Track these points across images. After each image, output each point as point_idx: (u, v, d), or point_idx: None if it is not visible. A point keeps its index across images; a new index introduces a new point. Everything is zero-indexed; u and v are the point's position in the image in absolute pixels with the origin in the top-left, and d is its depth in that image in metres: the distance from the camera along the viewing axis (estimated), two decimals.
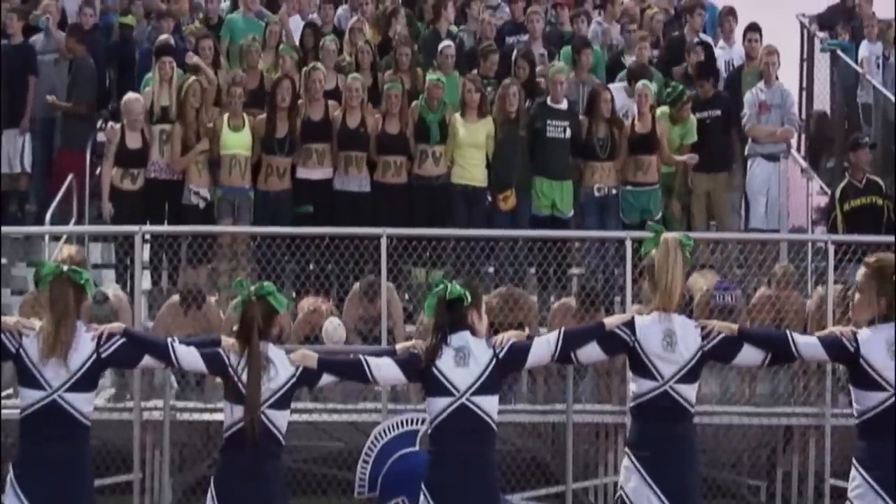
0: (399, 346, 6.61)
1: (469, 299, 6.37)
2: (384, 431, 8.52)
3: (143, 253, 10.76)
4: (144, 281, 10.99)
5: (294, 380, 6.32)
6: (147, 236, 10.75)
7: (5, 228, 11.31)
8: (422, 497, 6.32)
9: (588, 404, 10.42)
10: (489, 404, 6.35)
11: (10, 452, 6.60)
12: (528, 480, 10.19)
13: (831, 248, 10.28)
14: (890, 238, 10.95)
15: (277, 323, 6.41)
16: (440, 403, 6.32)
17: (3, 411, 8.92)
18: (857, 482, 6.24)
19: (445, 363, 6.33)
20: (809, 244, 10.97)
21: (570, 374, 10.03)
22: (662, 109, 12.20)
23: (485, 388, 6.33)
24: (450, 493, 6.28)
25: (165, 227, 11.28)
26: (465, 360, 6.30)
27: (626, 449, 6.49)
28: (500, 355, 6.37)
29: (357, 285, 10.57)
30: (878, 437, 6.21)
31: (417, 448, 8.06)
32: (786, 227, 12.68)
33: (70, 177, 12.12)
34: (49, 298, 6.16)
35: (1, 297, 11.68)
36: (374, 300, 10.32)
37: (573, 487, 10.05)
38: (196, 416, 10.24)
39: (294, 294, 11.13)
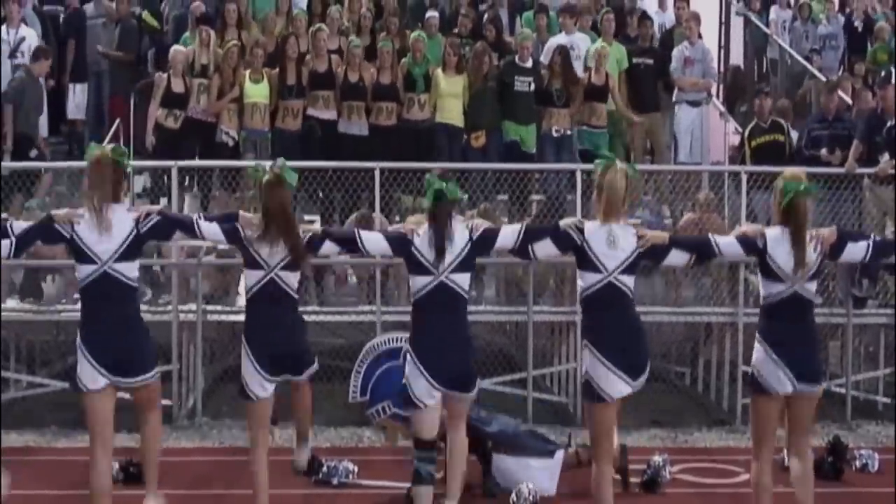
0: (391, 227, 6.52)
1: (458, 196, 6.38)
2: (373, 347, 8.37)
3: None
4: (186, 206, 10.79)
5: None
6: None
7: (65, 164, 11.13)
8: (408, 357, 6.29)
9: (545, 305, 10.27)
10: (463, 279, 6.29)
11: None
12: (496, 369, 10.06)
13: (744, 177, 10.16)
14: (790, 168, 10.85)
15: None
16: (422, 281, 6.24)
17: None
18: (757, 351, 6.29)
19: (425, 246, 6.22)
20: (726, 174, 10.80)
21: (531, 281, 9.85)
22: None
23: (461, 266, 6.25)
24: (432, 352, 6.24)
25: (196, 162, 11.05)
26: (445, 244, 6.22)
27: (584, 340, 6.35)
28: (475, 237, 6.28)
29: (353, 216, 10.40)
30: (774, 317, 6.24)
31: (400, 362, 7.92)
32: (707, 160, 12.55)
33: (118, 120, 11.91)
34: (92, 177, 6.10)
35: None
36: (366, 227, 10.13)
37: (533, 374, 9.91)
38: (224, 318, 10.08)
39: (304, 217, 10.96)
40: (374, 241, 6.42)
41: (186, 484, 7.98)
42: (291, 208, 6.33)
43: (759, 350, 6.29)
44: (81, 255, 6.07)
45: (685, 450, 9.04)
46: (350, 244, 6.43)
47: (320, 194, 10.76)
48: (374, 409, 8.32)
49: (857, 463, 8.47)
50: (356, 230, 6.49)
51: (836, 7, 14.92)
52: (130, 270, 6.10)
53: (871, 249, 6.37)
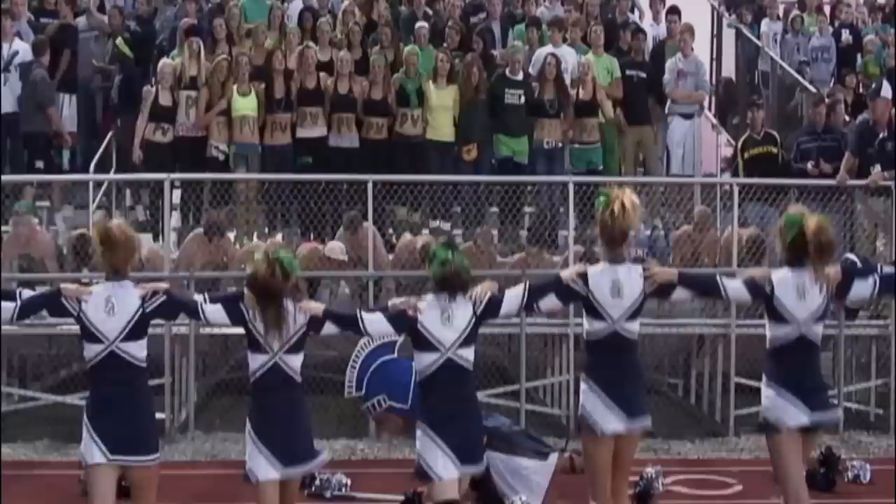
0: (391, 303, 6.37)
1: (466, 266, 6.09)
2: (368, 342, 8.40)
3: (174, 197, 10.61)
4: (174, 220, 10.84)
5: (304, 327, 6.04)
6: (176, 183, 10.56)
7: (57, 176, 11.17)
8: (419, 434, 6.08)
9: (538, 318, 10.28)
10: (469, 354, 6.10)
11: None
12: (489, 381, 10.06)
13: (735, 189, 10.17)
14: (782, 180, 10.94)
15: (293, 280, 6.05)
16: (429, 358, 6.05)
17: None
18: (768, 393, 6.21)
19: (431, 322, 6.04)
20: (718, 186, 10.87)
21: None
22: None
23: (466, 341, 6.06)
24: (444, 426, 6.03)
25: (190, 175, 11.08)
26: (450, 319, 6.02)
27: (583, 376, 6.31)
28: (479, 311, 6.09)
29: (344, 218, 10.51)
30: (782, 360, 6.18)
31: (395, 355, 7.95)
32: (699, 172, 12.63)
33: (109, 134, 11.96)
34: (102, 247, 5.97)
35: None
36: (356, 231, 10.30)
37: (525, 386, 9.93)
38: (216, 330, 9.99)
39: (298, 231, 11.02)
40: (376, 322, 6.18)
41: (179, 498, 7.97)
42: (282, 289, 5.99)
43: (768, 391, 6.21)
44: (88, 333, 5.95)
45: (678, 461, 9.06)
46: (352, 327, 6.23)
47: (312, 205, 10.80)
48: (370, 402, 8.35)
49: (850, 474, 8.50)
50: (358, 312, 6.28)
51: (828, 20, 15.02)
52: (138, 350, 6.00)
53: (878, 285, 6.28)
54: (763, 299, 6.20)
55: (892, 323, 10.06)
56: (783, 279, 6.16)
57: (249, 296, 6.01)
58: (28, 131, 11.67)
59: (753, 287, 6.21)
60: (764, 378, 6.28)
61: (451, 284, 6.07)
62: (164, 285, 6.23)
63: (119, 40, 12.82)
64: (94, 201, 10.50)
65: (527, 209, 11.44)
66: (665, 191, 11.38)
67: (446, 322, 6.04)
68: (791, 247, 6.15)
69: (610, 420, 6.14)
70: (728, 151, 13.11)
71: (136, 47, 12.87)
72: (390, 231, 11.27)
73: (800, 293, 6.11)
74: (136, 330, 5.96)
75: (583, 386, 6.30)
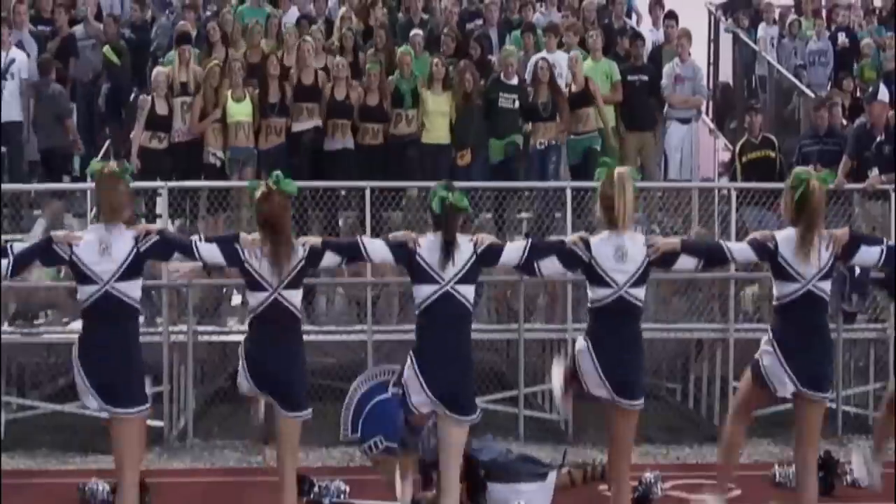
0: (391, 235, 6.44)
1: (465, 206, 6.25)
2: (362, 383, 8.39)
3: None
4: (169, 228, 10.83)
5: (303, 261, 6.13)
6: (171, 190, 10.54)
7: (53, 185, 11.16)
8: (408, 362, 6.19)
9: (536, 323, 10.31)
10: (468, 291, 6.19)
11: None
12: (487, 387, 10.08)
13: (733, 194, 10.20)
14: (780, 184, 10.95)
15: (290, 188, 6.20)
16: (427, 290, 6.14)
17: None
18: (766, 351, 6.30)
19: (431, 256, 6.14)
20: (716, 191, 10.87)
21: (521, 300, 9.89)
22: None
23: (466, 278, 6.17)
24: (435, 364, 6.14)
25: (185, 183, 11.05)
26: (450, 257, 6.13)
27: (585, 336, 6.31)
28: (479, 250, 6.20)
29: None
30: (787, 318, 6.27)
31: (389, 395, 7.97)
32: (697, 177, 12.68)
33: (108, 141, 11.97)
34: (98, 188, 6.11)
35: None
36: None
37: (524, 392, 9.94)
38: (214, 338, 10.13)
39: (294, 236, 10.97)
40: (377, 248, 6.29)
41: None
42: (287, 217, 6.15)
43: (767, 349, 6.30)
44: (82, 276, 6.02)
45: (677, 466, 9.06)
46: (353, 252, 6.32)
47: (308, 212, 10.79)
48: (367, 444, 8.34)
49: (849, 478, 8.50)
50: (359, 238, 6.43)
51: (825, 23, 15.05)
52: (133, 290, 6.05)
53: (884, 254, 6.35)
54: (768, 257, 6.26)
55: (890, 326, 10.07)
56: (787, 237, 6.23)
57: (248, 238, 6.11)
58: (48, 147, 11.74)
59: (758, 246, 6.29)
60: (768, 334, 6.34)
61: (450, 221, 6.16)
62: (156, 227, 6.35)
63: (106, 48, 12.82)
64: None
65: (523, 215, 11.43)
66: (663, 195, 11.38)
67: (446, 258, 6.13)
68: (798, 203, 6.21)
69: (600, 388, 6.19)
70: (725, 156, 13.14)
71: (130, 55, 12.91)
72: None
73: (797, 250, 6.17)
74: (131, 270, 6.02)
75: (580, 343, 6.31)
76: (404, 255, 6.22)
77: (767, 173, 11.27)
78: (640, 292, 6.26)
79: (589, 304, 6.32)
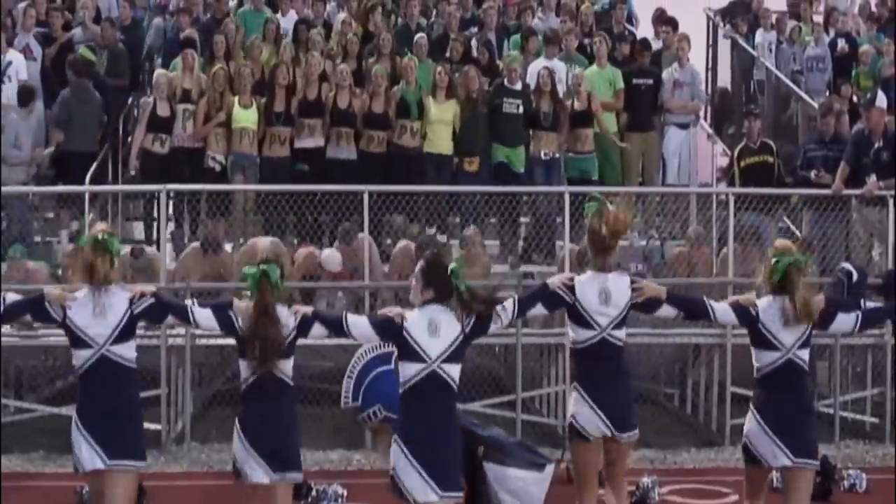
0: (381, 312, 6.36)
1: (461, 286, 6.01)
2: (365, 353, 8.40)
3: (168, 207, 10.59)
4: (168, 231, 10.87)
5: (294, 331, 6.07)
6: (171, 193, 10.54)
7: (53, 188, 11.16)
8: (395, 447, 5.99)
9: (534, 328, 10.33)
10: (454, 371, 6.03)
11: None
12: (485, 391, 10.10)
13: (731, 199, 10.22)
14: (777, 189, 11.00)
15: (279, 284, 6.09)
16: (413, 368, 5.98)
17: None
18: (751, 423, 6.27)
19: (418, 332, 6.00)
20: (714, 196, 10.91)
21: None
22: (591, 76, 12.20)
23: (452, 357, 6.00)
24: (422, 446, 5.96)
25: (185, 186, 11.09)
26: (437, 331, 5.98)
27: (574, 384, 6.39)
28: (467, 330, 6.03)
29: (339, 230, 10.54)
30: (769, 388, 6.25)
31: (392, 366, 7.96)
32: (695, 182, 12.71)
33: (106, 146, 11.97)
34: (87, 263, 5.95)
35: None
36: (350, 243, 10.34)
37: (522, 396, 9.94)
38: (212, 341, 10.06)
39: (294, 240, 11.03)
40: (360, 326, 6.13)
41: None
42: (274, 308, 6.04)
43: (752, 421, 6.27)
44: (76, 339, 5.95)
45: (674, 471, 9.08)
46: (337, 327, 6.18)
47: (309, 218, 10.83)
48: (366, 412, 8.35)
49: (846, 483, 8.54)
50: (343, 314, 6.28)
51: (823, 29, 15.10)
52: (128, 351, 6.00)
53: (860, 321, 6.39)
54: (749, 323, 6.29)
55: (887, 332, 10.10)
56: (768, 305, 6.26)
57: (241, 306, 6.03)
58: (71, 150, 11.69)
59: (740, 311, 6.32)
60: (751, 407, 6.33)
61: (450, 289, 6.02)
62: (151, 287, 6.26)
63: (82, 48, 12.78)
64: (88, 213, 10.51)
65: (523, 220, 11.46)
66: (661, 200, 11.40)
67: (433, 333, 5.99)
68: (778, 283, 6.23)
69: (597, 424, 6.22)
70: (723, 161, 13.16)
71: (119, 56, 12.91)
72: (388, 241, 11.28)
73: (783, 320, 6.19)
74: (125, 332, 5.95)
75: (573, 394, 6.37)
76: (390, 331, 6.07)
77: (766, 178, 11.30)
78: (621, 334, 6.31)
79: (572, 345, 6.36)
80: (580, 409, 6.29)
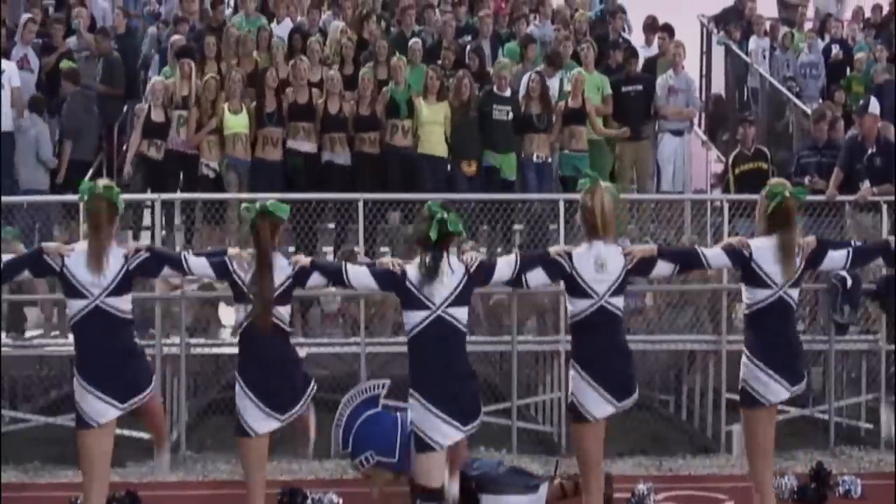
0: (379, 261, 6.47)
1: (459, 229, 6.21)
2: (350, 399, 8.43)
3: (162, 216, 10.58)
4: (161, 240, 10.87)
5: (291, 279, 6.20)
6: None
7: (49, 197, 11.16)
8: (414, 403, 6.17)
9: (529, 335, 10.34)
10: (461, 314, 6.17)
11: None
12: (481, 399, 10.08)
13: (726, 206, 10.25)
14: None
15: (281, 229, 6.35)
16: (418, 315, 6.11)
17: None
18: (746, 367, 6.49)
19: (420, 279, 6.12)
20: (708, 202, 10.96)
21: (514, 312, 9.92)
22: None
23: (458, 300, 6.15)
24: (436, 390, 6.11)
25: (178, 195, 11.10)
26: (441, 278, 6.12)
27: (572, 362, 6.45)
28: (471, 271, 6.19)
29: (339, 253, 10.48)
30: (761, 325, 6.45)
31: (380, 408, 8.03)
32: (689, 189, 12.73)
33: (101, 153, 11.99)
34: (86, 211, 6.20)
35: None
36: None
37: (517, 404, 9.95)
38: (206, 351, 10.12)
39: (290, 248, 11.02)
40: (360, 275, 6.30)
41: None
42: (273, 239, 6.25)
43: (747, 364, 6.48)
44: (72, 289, 6.11)
45: (670, 478, 9.08)
46: (337, 276, 6.35)
47: (307, 225, 10.81)
48: (359, 459, 8.36)
49: (841, 489, 8.54)
50: (343, 264, 6.43)
51: (817, 35, 15.14)
52: (123, 304, 6.15)
53: (850, 257, 6.58)
54: (742, 264, 6.44)
55: (882, 338, 10.12)
56: (762, 245, 6.42)
57: (237, 253, 6.21)
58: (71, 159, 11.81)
59: (732, 253, 6.47)
60: (745, 350, 6.51)
61: (444, 244, 6.17)
62: (145, 243, 6.44)
63: (64, 61, 12.76)
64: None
65: (516, 227, 11.46)
66: (655, 207, 11.43)
67: (435, 280, 6.10)
68: (772, 215, 6.42)
69: (599, 403, 6.26)
70: (718, 168, 13.18)
71: (114, 64, 12.94)
72: (382, 249, 11.27)
73: (776, 258, 6.36)
74: (121, 286, 6.12)
75: (572, 372, 6.42)
76: (390, 281, 6.22)
77: (760, 185, 11.19)
78: (619, 301, 6.39)
79: (570, 319, 6.42)
80: (580, 389, 6.34)
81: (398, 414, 7.68)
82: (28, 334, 10.24)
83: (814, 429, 10.17)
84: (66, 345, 6.44)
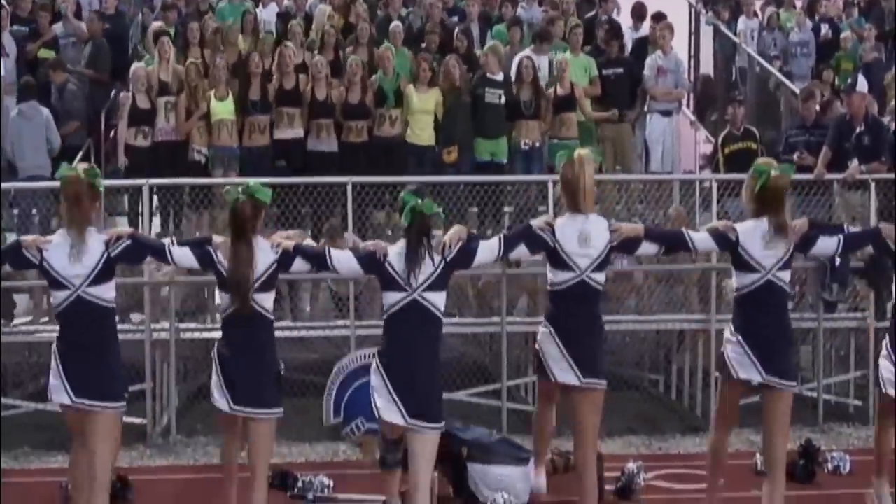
0: (362, 245, 6.49)
1: (434, 211, 6.23)
2: (342, 368, 8.45)
3: (152, 202, 10.61)
4: (154, 226, 10.87)
5: (275, 265, 6.18)
6: (154, 187, 10.54)
7: (38, 184, 11.12)
8: (375, 367, 6.20)
9: (518, 317, 10.34)
10: (437, 299, 6.19)
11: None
12: (471, 380, 10.13)
13: (715, 186, 10.23)
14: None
15: (263, 214, 6.28)
16: (394, 297, 6.15)
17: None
18: (730, 342, 6.47)
19: (399, 263, 6.15)
20: (697, 183, 10.95)
21: (504, 293, 9.93)
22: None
23: (434, 285, 6.16)
24: (399, 374, 6.12)
25: (168, 180, 11.05)
26: (419, 261, 6.14)
27: (544, 320, 6.47)
28: (448, 258, 6.20)
29: (324, 228, 10.44)
30: (748, 308, 6.39)
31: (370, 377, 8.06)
32: (678, 169, 12.70)
33: (88, 140, 11.95)
34: (66, 195, 6.10)
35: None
36: (335, 239, 10.23)
37: (507, 385, 9.97)
38: (196, 335, 10.10)
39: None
40: (343, 260, 6.32)
41: (160, 503, 8.01)
42: (255, 224, 6.20)
43: (731, 340, 6.46)
44: (53, 281, 6.09)
45: (659, 456, 9.12)
46: (320, 260, 6.35)
47: (295, 209, 10.79)
48: (349, 427, 8.40)
49: (829, 465, 8.59)
50: (326, 249, 6.45)
51: (807, 14, 15.14)
52: (106, 292, 6.12)
53: (842, 244, 6.55)
54: (729, 247, 6.39)
55: (870, 316, 10.14)
56: (749, 228, 6.36)
57: (220, 241, 6.18)
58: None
59: (719, 236, 6.43)
60: (730, 326, 6.50)
61: (418, 228, 6.17)
62: (128, 230, 6.39)
63: (43, 49, 12.72)
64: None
65: (506, 209, 11.46)
66: (644, 188, 11.44)
67: (413, 265, 6.13)
68: (759, 194, 6.34)
69: (565, 372, 6.29)
70: (707, 148, 13.19)
71: (101, 49, 12.88)
72: (370, 233, 11.25)
73: (765, 241, 6.28)
74: (102, 274, 6.08)
75: (542, 329, 6.42)
76: (373, 264, 6.24)
77: (749, 165, 11.25)
78: (600, 276, 6.43)
79: (549, 287, 6.44)
80: (548, 348, 6.43)
81: None
82: (17, 321, 10.23)
83: (803, 406, 10.14)
84: (55, 332, 6.39)
